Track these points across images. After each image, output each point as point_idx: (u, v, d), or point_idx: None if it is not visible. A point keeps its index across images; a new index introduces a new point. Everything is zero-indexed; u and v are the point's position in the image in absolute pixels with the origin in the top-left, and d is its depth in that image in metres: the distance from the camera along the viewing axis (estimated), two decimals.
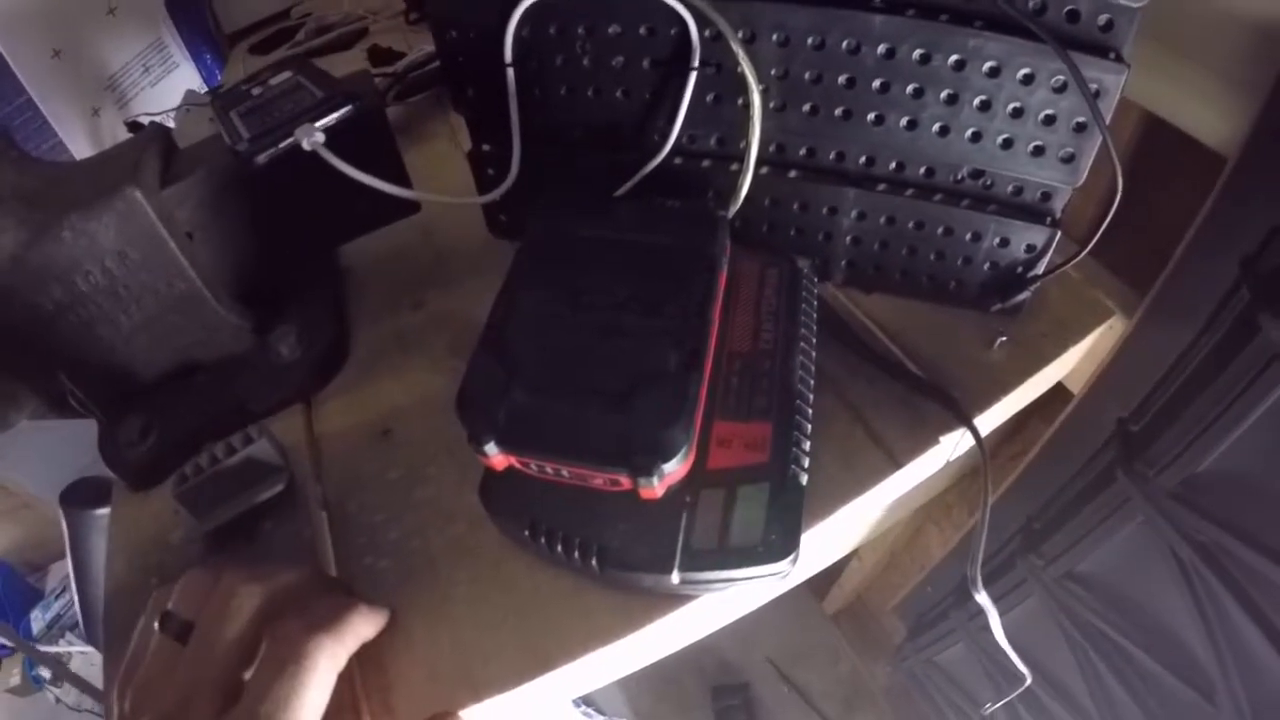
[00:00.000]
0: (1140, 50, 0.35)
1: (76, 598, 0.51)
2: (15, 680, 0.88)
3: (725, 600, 0.33)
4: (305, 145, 0.35)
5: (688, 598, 0.31)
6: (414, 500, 0.36)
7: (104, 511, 0.49)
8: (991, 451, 0.58)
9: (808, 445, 0.30)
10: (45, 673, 0.91)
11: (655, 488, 0.26)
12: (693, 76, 0.35)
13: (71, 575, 0.51)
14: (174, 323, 0.42)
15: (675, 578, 0.28)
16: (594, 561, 0.29)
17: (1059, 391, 0.50)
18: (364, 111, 0.37)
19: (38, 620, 0.94)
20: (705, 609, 0.33)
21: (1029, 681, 0.50)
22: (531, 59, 0.37)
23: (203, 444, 0.42)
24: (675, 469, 0.26)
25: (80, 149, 0.72)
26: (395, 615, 0.34)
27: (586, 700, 0.88)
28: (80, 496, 0.50)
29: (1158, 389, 0.43)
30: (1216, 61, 0.34)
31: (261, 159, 0.36)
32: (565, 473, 0.27)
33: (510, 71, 0.37)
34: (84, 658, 0.93)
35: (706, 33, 0.34)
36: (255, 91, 0.42)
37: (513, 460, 0.27)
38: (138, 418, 0.44)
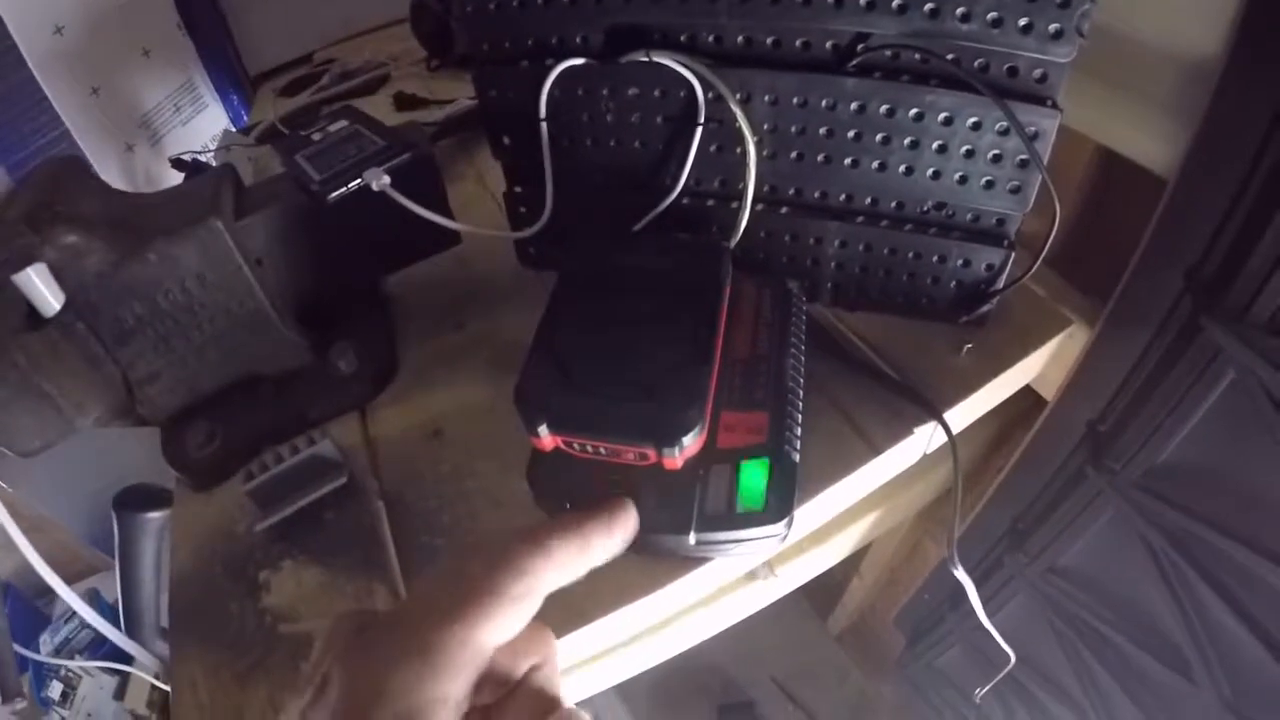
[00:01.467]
0: (1088, 88, 0.44)
1: (121, 598, 0.59)
2: (21, 704, 0.94)
3: (733, 563, 0.43)
4: (374, 186, 0.45)
5: (702, 559, 0.40)
6: (464, 489, 0.46)
7: (155, 515, 0.57)
8: (979, 462, 0.67)
9: (799, 430, 0.40)
10: (54, 694, 0.98)
11: (676, 458, 0.35)
12: (699, 131, 0.45)
13: (118, 576, 0.59)
14: (241, 338, 0.51)
15: (692, 539, 0.38)
16: None
17: (1037, 401, 0.59)
18: (419, 158, 0.47)
19: (46, 644, 1.01)
20: (714, 573, 0.42)
21: (1013, 661, 0.59)
22: (562, 115, 0.47)
23: (263, 448, 0.51)
24: (692, 443, 0.35)
25: (114, 182, 0.82)
26: None
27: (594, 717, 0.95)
28: (132, 501, 0.58)
29: (1120, 391, 0.51)
30: (1154, 96, 0.43)
31: (334, 197, 0.46)
32: (603, 450, 0.36)
33: (544, 126, 0.47)
34: (92, 680, 1.01)
35: (710, 94, 0.44)
36: (316, 137, 0.52)
37: (559, 441, 0.37)
38: (204, 424, 0.53)
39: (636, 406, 0.35)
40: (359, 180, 0.46)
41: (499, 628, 0.27)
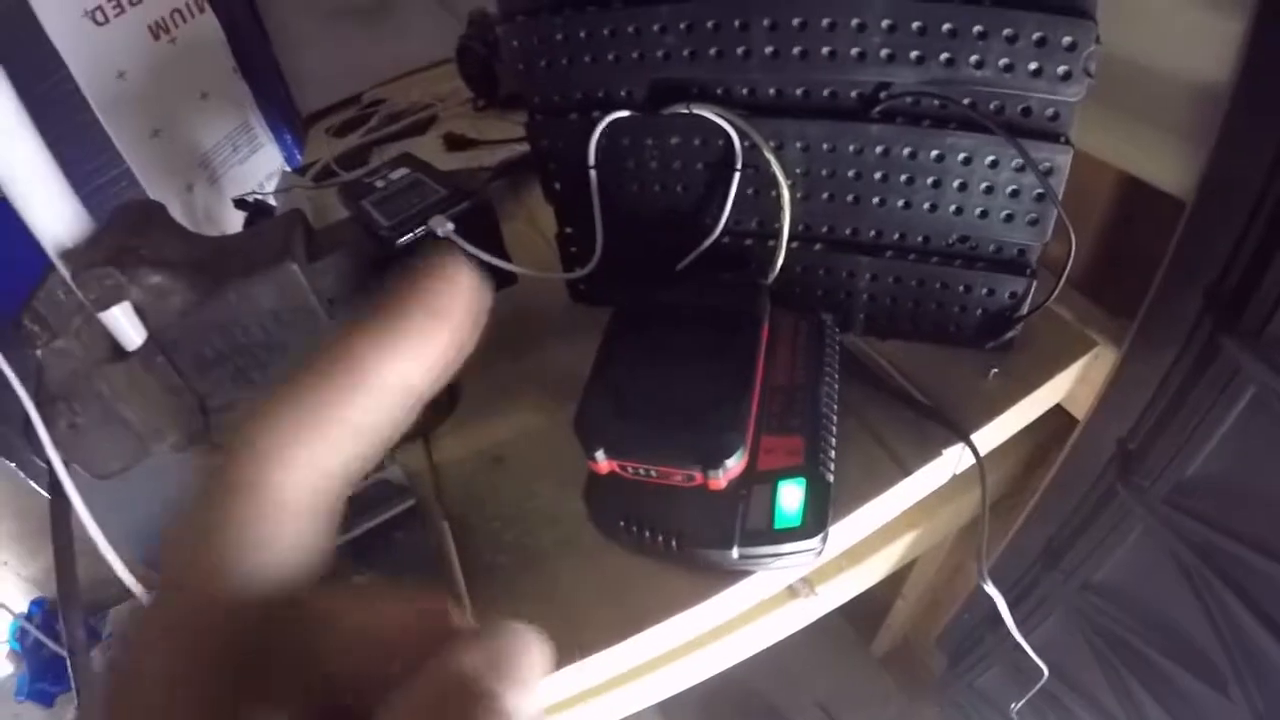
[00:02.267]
0: (1106, 116, 0.48)
1: None
2: (70, 718, 1.01)
3: (771, 579, 0.48)
4: (440, 233, 0.51)
5: (745, 573, 0.45)
6: (525, 510, 0.51)
7: None
8: (1014, 482, 0.72)
9: (833, 453, 0.45)
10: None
11: (720, 479, 0.41)
12: (736, 175, 0.51)
13: None
14: None
15: (735, 553, 0.43)
16: (674, 543, 0.44)
17: (1069, 421, 0.63)
18: (479, 205, 0.54)
19: (95, 661, 1.08)
20: (755, 587, 0.47)
21: (1046, 676, 0.63)
22: (609, 162, 0.53)
23: None
24: (735, 464, 0.40)
25: (177, 220, 0.90)
26: (512, 597, 0.48)
27: None
28: None
29: (1147, 409, 0.55)
30: (1169, 122, 0.47)
31: (402, 242, 0.52)
32: (654, 472, 0.42)
33: (593, 173, 0.53)
34: None
35: (745, 142, 0.50)
36: (379, 184, 0.59)
37: (614, 465, 0.42)
38: None
39: (684, 433, 0.41)
40: (425, 227, 0.52)
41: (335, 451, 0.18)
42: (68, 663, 0.57)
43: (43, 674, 1.09)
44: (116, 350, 0.54)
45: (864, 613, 1.06)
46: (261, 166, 0.97)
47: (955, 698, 0.89)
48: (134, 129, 0.87)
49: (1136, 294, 0.53)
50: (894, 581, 0.94)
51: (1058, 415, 0.62)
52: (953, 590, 0.90)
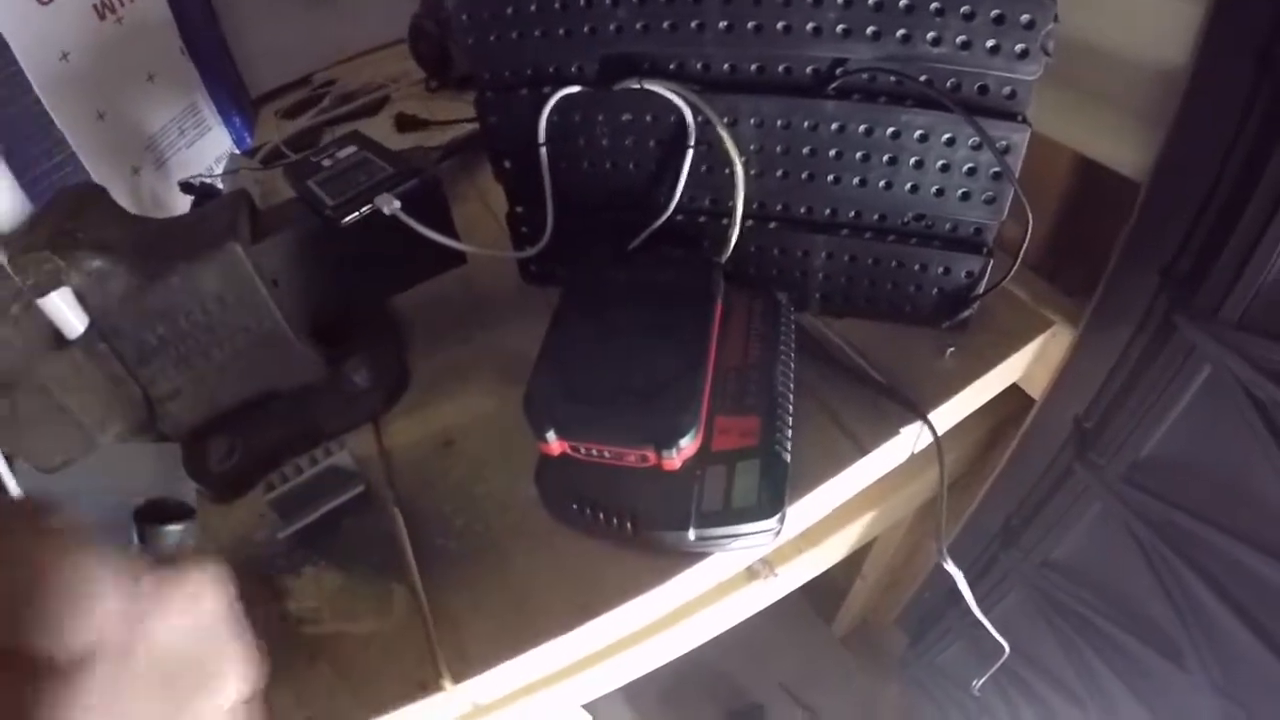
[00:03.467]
0: (1063, 97, 0.48)
1: None
2: None
3: (729, 560, 0.47)
4: (386, 211, 0.49)
5: (702, 555, 0.44)
6: (475, 495, 0.50)
7: (175, 528, 0.61)
8: (972, 463, 0.72)
9: (789, 432, 0.44)
10: None
11: (675, 459, 0.39)
12: (689, 153, 0.49)
13: None
14: (259, 356, 0.55)
15: (691, 534, 0.42)
16: (628, 525, 0.42)
17: (1026, 403, 0.63)
18: (427, 183, 0.52)
19: None
20: (713, 568, 0.46)
21: (1007, 652, 0.63)
22: (560, 139, 0.52)
23: (281, 461, 0.55)
24: (688, 444, 0.39)
25: (121, 205, 0.87)
26: (466, 583, 0.47)
27: None
28: (153, 514, 0.62)
29: (1103, 388, 0.55)
30: (1126, 103, 0.47)
31: (347, 221, 0.50)
32: (606, 453, 0.41)
33: (543, 150, 0.51)
34: None
35: (699, 118, 0.48)
36: (325, 163, 0.57)
37: (566, 446, 0.41)
38: (224, 438, 0.57)
39: (636, 412, 0.40)
40: (371, 205, 0.50)
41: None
42: None
43: None
44: (57, 338, 0.52)
45: (824, 594, 1.06)
46: (210, 150, 0.94)
47: (917, 675, 0.89)
48: (79, 111, 0.84)
49: (1092, 275, 0.53)
50: (853, 562, 0.94)
51: (1014, 396, 0.62)
52: (912, 570, 0.90)
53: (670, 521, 0.42)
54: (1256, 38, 0.38)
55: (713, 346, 0.43)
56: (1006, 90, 0.45)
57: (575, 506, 0.44)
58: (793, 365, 0.47)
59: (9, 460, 0.56)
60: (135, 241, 0.53)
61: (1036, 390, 0.61)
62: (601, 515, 0.43)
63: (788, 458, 0.43)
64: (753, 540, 0.43)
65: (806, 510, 0.48)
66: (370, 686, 0.45)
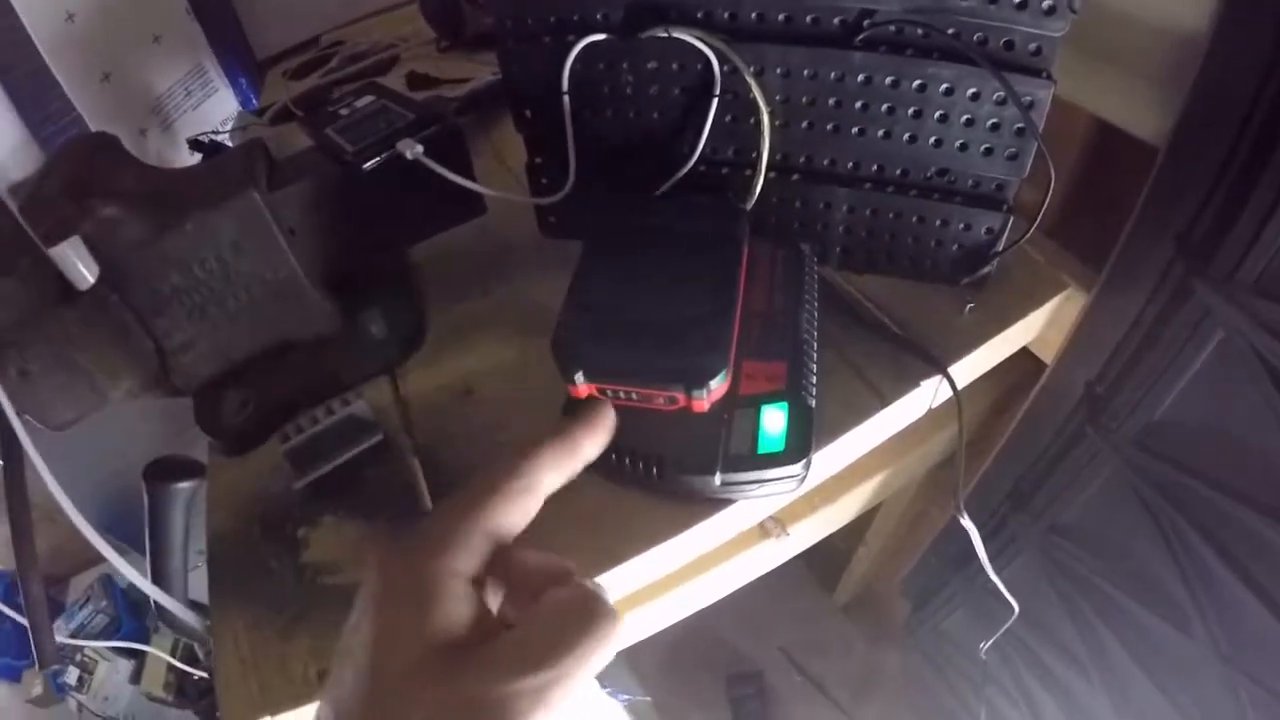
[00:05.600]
0: (1081, 61, 0.47)
1: (151, 567, 0.63)
2: (37, 690, 0.98)
3: (752, 508, 0.46)
4: (409, 155, 0.48)
5: (726, 501, 0.44)
6: (496, 442, 0.50)
7: (184, 485, 0.60)
8: (983, 427, 0.72)
9: (814, 378, 0.44)
10: (71, 679, 1.02)
11: (704, 400, 0.39)
12: (714, 102, 0.49)
13: (148, 545, 0.62)
14: (274, 306, 0.54)
15: (717, 479, 0.42)
16: (655, 470, 0.42)
17: (1037, 368, 0.63)
18: (448, 128, 0.51)
19: (60, 630, 1.05)
20: (737, 516, 0.46)
21: (1016, 613, 0.63)
22: (583, 88, 0.51)
23: (297, 412, 0.54)
24: (718, 386, 0.39)
25: None
26: None
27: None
28: (161, 472, 0.62)
29: (1116, 352, 0.55)
30: (1144, 68, 0.47)
31: (369, 166, 0.50)
32: (635, 395, 0.40)
33: (566, 99, 0.51)
34: (109, 665, 1.04)
35: (725, 67, 0.48)
36: (344, 112, 0.56)
37: (593, 389, 0.41)
38: (237, 391, 0.56)
39: (666, 353, 0.39)
40: (392, 150, 0.49)
41: (502, 513, 0.32)
42: (29, 636, 0.54)
43: (5, 648, 1.05)
44: (67, 291, 0.51)
45: (826, 562, 1.06)
46: (216, 111, 0.93)
47: (921, 641, 0.90)
48: (84, 73, 0.83)
49: (1106, 240, 0.52)
50: (856, 530, 0.94)
51: (1026, 361, 0.62)
52: (915, 538, 0.90)
53: (697, 466, 0.41)
54: (1276, 3, 0.38)
55: (740, 290, 0.43)
56: (1033, 46, 0.44)
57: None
58: (816, 314, 0.47)
59: (18, 418, 0.56)
60: (148, 189, 0.52)
61: (1049, 355, 0.61)
62: (628, 460, 0.43)
63: (813, 403, 0.43)
64: (778, 486, 0.43)
65: (828, 460, 0.48)
66: None
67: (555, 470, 0.34)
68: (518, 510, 0.33)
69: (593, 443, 0.37)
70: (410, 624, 0.28)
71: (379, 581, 0.30)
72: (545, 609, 0.30)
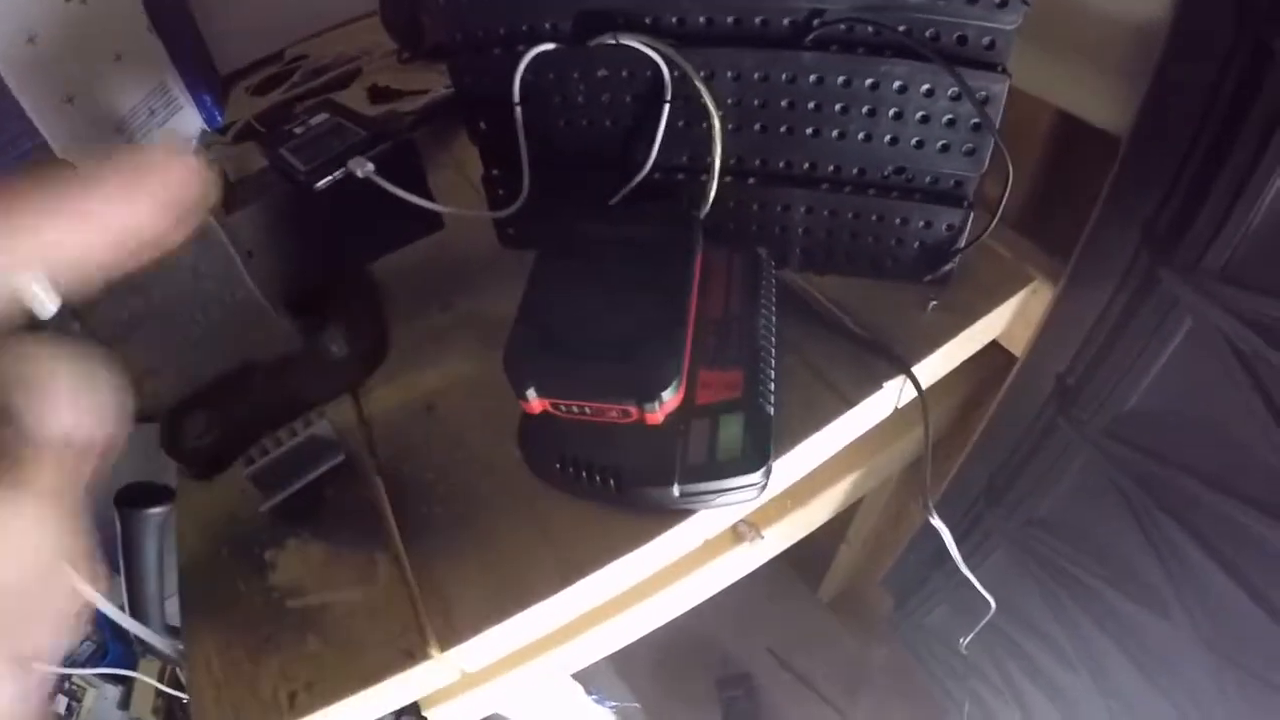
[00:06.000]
0: (1041, 52, 0.47)
1: (127, 593, 0.62)
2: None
3: (716, 517, 0.46)
4: (359, 174, 0.48)
5: (687, 512, 0.44)
6: (458, 459, 0.49)
7: (156, 511, 0.60)
8: (955, 424, 0.71)
9: (772, 385, 0.43)
10: (60, 708, 1.01)
11: (657, 412, 0.39)
12: (666, 108, 0.48)
13: (123, 572, 0.61)
14: (235, 328, 0.54)
15: (676, 490, 0.41)
16: (612, 482, 0.42)
17: (1008, 362, 0.63)
18: (401, 145, 0.51)
19: None
20: (700, 525, 0.46)
21: (993, 609, 0.63)
22: (535, 98, 0.50)
23: (261, 434, 0.54)
24: (671, 397, 0.39)
25: None
26: (450, 550, 0.46)
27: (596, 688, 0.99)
28: (133, 498, 0.61)
29: (1086, 344, 0.55)
30: (1105, 58, 0.46)
31: (321, 185, 0.49)
32: (588, 409, 0.40)
33: (518, 110, 0.50)
34: (96, 692, 1.04)
35: (675, 73, 0.47)
36: (298, 131, 0.55)
37: (546, 404, 0.40)
38: (202, 414, 0.56)
39: (617, 366, 0.39)
40: (344, 169, 0.49)
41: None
42: None
43: None
44: (30, 320, 0.50)
45: (810, 561, 1.06)
46: (181, 129, 0.92)
47: (904, 637, 0.89)
48: (47, 95, 0.81)
49: (1072, 232, 0.52)
50: (838, 528, 0.94)
51: (996, 356, 0.62)
52: (897, 534, 0.90)
53: (654, 478, 0.41)
54: None
55: (693, 300, 0.42)
56: (986, 40, 0.44)
57: (558, 466, 0.43)
58: (774, 319, 0.47)
59: None
60: None
61: (1018, 348, 0.61)
62: (585, 474, 0.42)
63: (771, 410, 0.43)
64: (738, 495, 0.42)
65: (792, 465, 0.47)
66: (357, 656, 0.45)
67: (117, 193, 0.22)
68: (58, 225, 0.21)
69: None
70: None
71: None
72: None
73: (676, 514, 0.44)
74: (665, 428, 0.40)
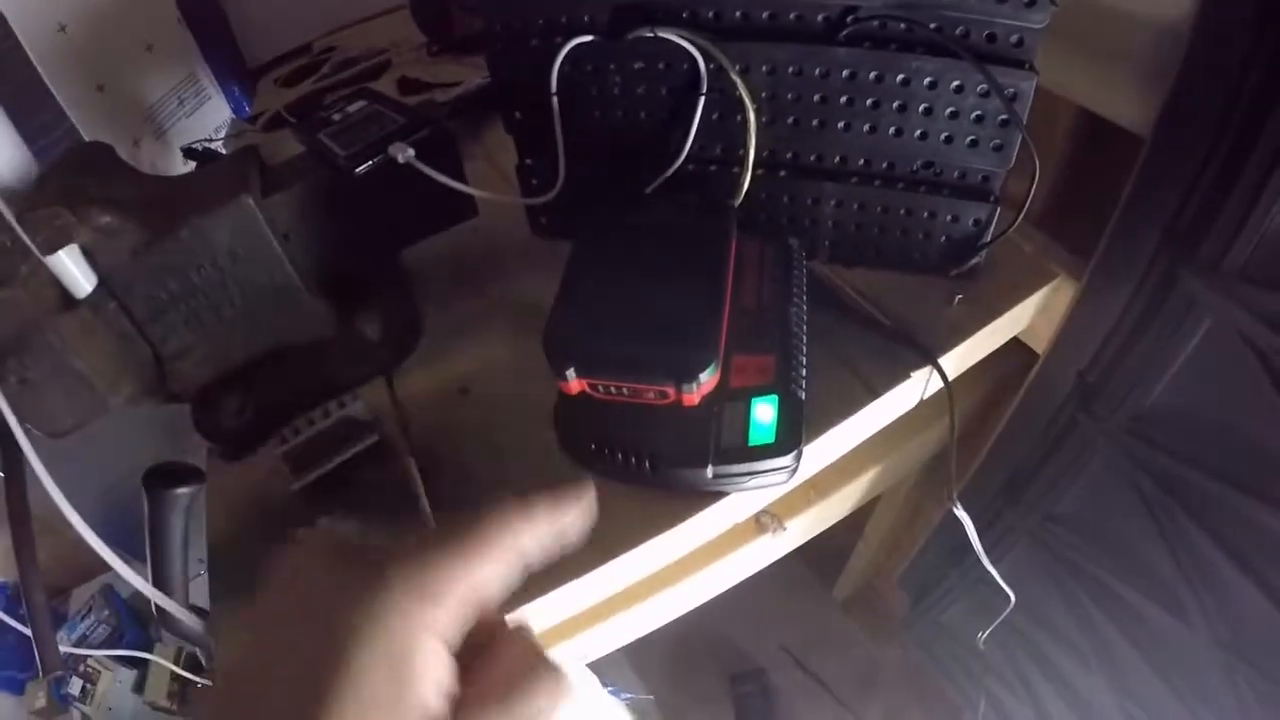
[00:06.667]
0: (1065, 51, 0.48)
1: (151, 572, 0.63)
2: (41, 702, 0.98)
3: (745, 501, 0.47)
4: (400, 159, 0.49)
5: (718, 494, 0.45)
6: (493, 441, 0.50)
7: (184, 490, 0.61)
8: (975, 421, 0.72)
9: (804, 370, 0.45)
10: (74, 690, 1.02)
11: (694, 393, 0.40)
12: (701, 100, 0.49)
13: (149, 551, 0.63)
14: (270, 311, 0.55)
15: (709, 471, 0.42)
16: (646, 464, 0.43)
17: (1029, 359, 0.64)
18: (439, 132, 0.52)
19: (63, 640, 1.06)
20: (729, 509, 0.47)
21: (1013, 602, 0.64)
22: (571, 89, 0.52)
23: (294, 415, 0.55)
24: (708, 379, 0.40)
25: None
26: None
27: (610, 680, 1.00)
28: (161, 478, 0.62)
29: (1106, 341, 0.55)
30: (1129, 57, 0.47)
31: (361, 170, 0.50)
32: (625, 390, 0.41)
33: (554, 100, 0.51)
34: (111, 675, 1.05)
35: (711, 66, 0.48)
36: (335, 117, 0.56)
37: (584, 384, 0.41)
38: (235, 395, 0.57)
39: (656, 348, 0.40)
40: (384, 154, 0.50)
41: (494, 574, 0.26)
42: (32, 647, 0.54)
43: (9, 661, 1.05)
44: (66, 299, 0.51)
45: (826, 558, 1.07)
46: (209, 119, 0.94)
47: (921, 635, 0.90)
48: (77, 84, 0.83)
49: (1091, 230, 0.53)
50: (855, 525, 0.95)
51: (1017, 352, 0.62)
52: (913, 532, 0.91)
53: (688, 459, 0.42)
54: None
55: (729, 284, 0.43)
56: (1014, 38, 0.45)
57: (594, 447, 0.44)
58: (805, 307, 0.48)
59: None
60: (145, 197, 0.53)
61: (1040, 345, 0.62)
62: (620, 455, 0.43)
63: (803, 395, 0.44)
64: (770, 478, 0.43)
65: (819, 452, 0.48)
66: None
67: (537, 536, 0.28)
68: (507, 571, 0.27)
69: (578, 522, 0.31)
70: (388, 694, 0.23)
71: (331, 605, 0.24)
72: (496, 677, 0.25)
73: (708, 496, 0.45)
74: (700, 410, 0.41)
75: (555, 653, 0.51)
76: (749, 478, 0.43)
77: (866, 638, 1.07)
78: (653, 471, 0.43)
